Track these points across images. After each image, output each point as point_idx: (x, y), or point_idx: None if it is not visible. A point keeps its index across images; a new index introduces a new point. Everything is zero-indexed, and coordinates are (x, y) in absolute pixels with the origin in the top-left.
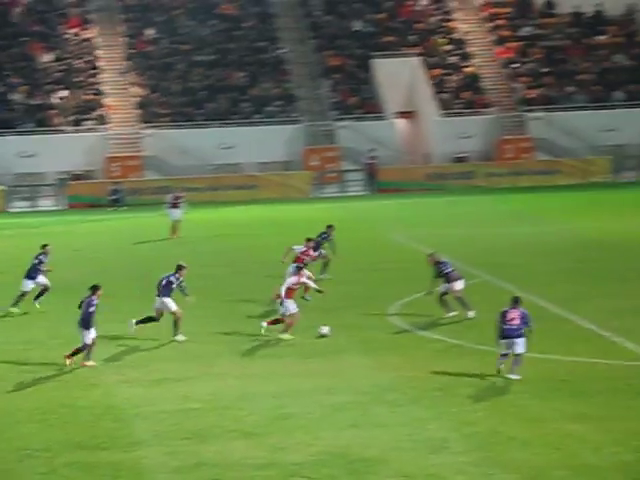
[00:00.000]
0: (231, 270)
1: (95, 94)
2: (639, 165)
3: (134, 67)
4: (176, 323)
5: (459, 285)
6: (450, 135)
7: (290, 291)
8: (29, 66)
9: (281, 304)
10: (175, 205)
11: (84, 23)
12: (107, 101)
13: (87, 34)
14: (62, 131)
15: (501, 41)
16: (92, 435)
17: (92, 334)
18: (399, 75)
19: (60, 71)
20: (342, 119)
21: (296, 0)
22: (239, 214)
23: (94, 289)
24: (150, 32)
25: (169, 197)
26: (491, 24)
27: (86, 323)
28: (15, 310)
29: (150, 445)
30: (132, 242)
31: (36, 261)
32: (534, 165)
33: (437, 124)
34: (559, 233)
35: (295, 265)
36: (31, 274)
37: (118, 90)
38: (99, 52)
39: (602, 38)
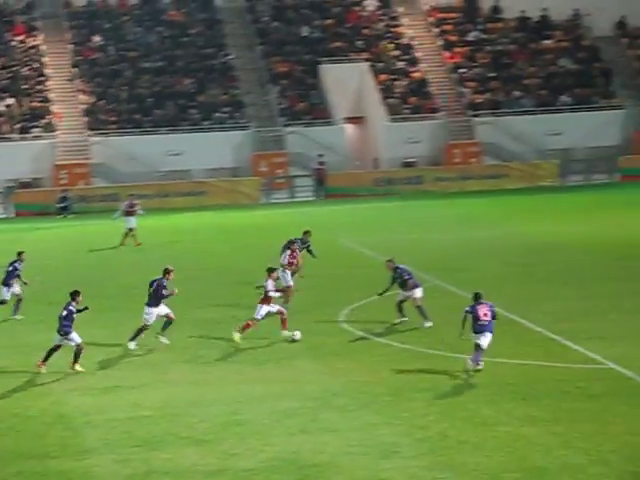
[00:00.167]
0: (183, 276)
1: (42, 102)
2: (586, 169)
3: (81, 74)
4: (167, 325)
5: (419, 293)
6: (398, 140)
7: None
8: None
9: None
10: (130, 212)
11: (30, 30)
12: (54, 109)
13: (33, 41)
14: (9, 139)
15: (448, 46)
16: (42, 444)
17: (77, 337)
18: (347, 81)
19: (6, 79)
20: (290, 125)
21: (243, 6)
22: (188, 220)
23: (74, 294)
24: (97, 39)
25: (124, 204)
26: (438, 29)
27: (68, 328)
28: None
29: (101, 453)
30: (81, 250)
31: (10, 268)
32: (482, 170)
33: (385, 129)
34: (507, 237)
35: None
36: (7, 281)
37: (65, 97)
38: (46, 59)
39: (548, 43)
